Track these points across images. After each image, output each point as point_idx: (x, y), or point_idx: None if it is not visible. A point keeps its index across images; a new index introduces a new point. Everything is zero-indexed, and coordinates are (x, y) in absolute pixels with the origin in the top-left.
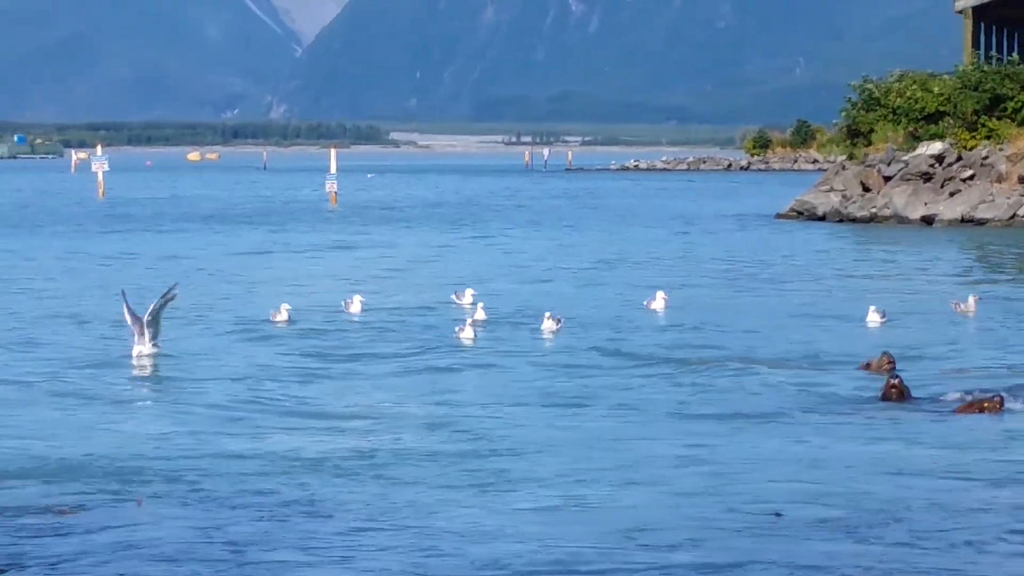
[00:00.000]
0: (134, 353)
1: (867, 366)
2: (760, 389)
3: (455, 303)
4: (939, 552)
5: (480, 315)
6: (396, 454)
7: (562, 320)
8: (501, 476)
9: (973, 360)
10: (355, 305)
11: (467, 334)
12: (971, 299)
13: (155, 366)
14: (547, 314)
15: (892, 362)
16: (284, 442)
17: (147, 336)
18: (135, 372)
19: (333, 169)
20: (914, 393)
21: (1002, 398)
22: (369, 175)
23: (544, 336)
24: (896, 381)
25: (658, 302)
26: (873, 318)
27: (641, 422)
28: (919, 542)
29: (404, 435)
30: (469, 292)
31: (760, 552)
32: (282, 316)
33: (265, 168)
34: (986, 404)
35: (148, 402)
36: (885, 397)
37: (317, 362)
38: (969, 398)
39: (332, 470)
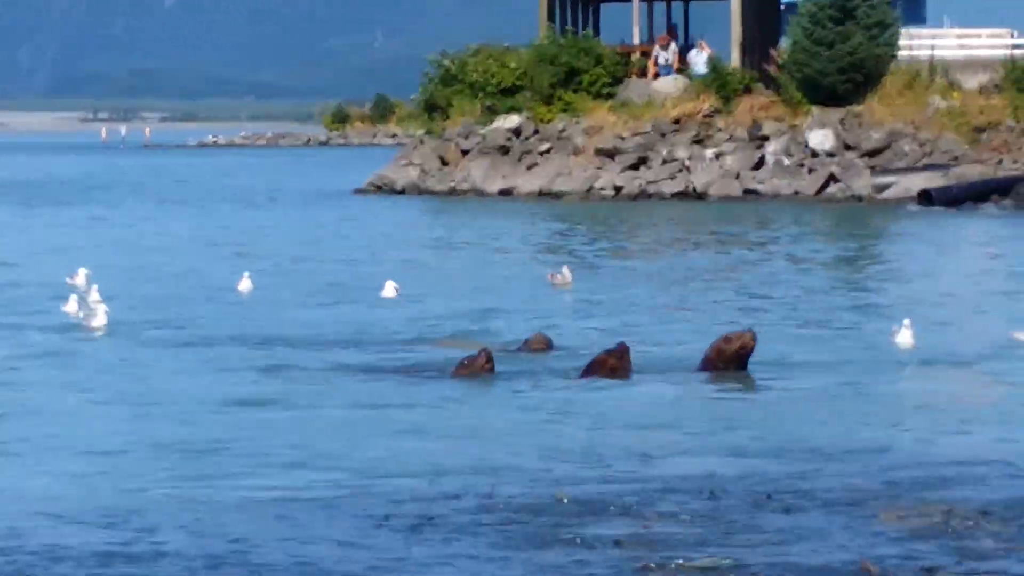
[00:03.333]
0: None
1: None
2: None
3: (69, 283)
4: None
5: (95, 296)
6: None
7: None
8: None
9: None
10: None
11: (99, 321)
12: (565, 270)
13: None
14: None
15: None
16: None
17: None
18: None
19: None
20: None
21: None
22: None
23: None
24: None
25: (244, 283)
26: (388, 291)
27: (169, 404)
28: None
29: None
30: (83, 271)
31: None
32: None
33: None
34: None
35: None
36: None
37: None
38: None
39: None
